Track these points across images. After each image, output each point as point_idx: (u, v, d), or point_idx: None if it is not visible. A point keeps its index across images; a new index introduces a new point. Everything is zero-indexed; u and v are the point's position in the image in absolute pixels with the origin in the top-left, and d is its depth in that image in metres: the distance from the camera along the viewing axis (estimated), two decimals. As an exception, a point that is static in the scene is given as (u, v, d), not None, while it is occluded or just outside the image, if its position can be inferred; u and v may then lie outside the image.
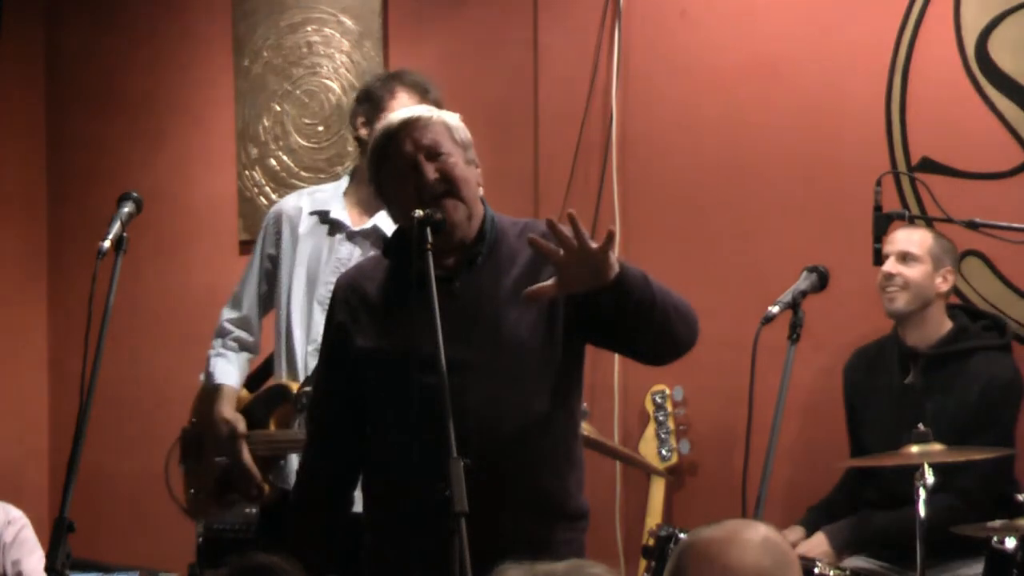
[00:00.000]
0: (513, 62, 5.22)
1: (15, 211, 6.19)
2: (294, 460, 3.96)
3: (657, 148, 4.99)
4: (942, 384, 4.22)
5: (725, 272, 4.82)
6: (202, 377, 4.22)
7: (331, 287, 3.29)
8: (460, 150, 3.07)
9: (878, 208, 3.93)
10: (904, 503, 3.99)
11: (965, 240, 4.40)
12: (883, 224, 3.93)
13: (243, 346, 4.20)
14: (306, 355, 4.01)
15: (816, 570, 3.59)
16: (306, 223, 4.12)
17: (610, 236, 2.83)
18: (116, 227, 3.44)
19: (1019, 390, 4.23)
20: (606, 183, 5.01)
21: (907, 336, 4.32)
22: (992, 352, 4.24)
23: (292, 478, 3.85)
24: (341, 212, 4.10)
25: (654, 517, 4.65)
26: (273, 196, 5.58)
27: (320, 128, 5.61)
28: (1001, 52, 4.51)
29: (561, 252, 2.85)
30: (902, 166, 4.61)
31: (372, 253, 3.80)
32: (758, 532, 2.21)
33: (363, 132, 4.05)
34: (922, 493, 3.49)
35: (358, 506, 3.24)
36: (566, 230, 2.85)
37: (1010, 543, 3.54)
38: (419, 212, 2.97)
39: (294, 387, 4.02)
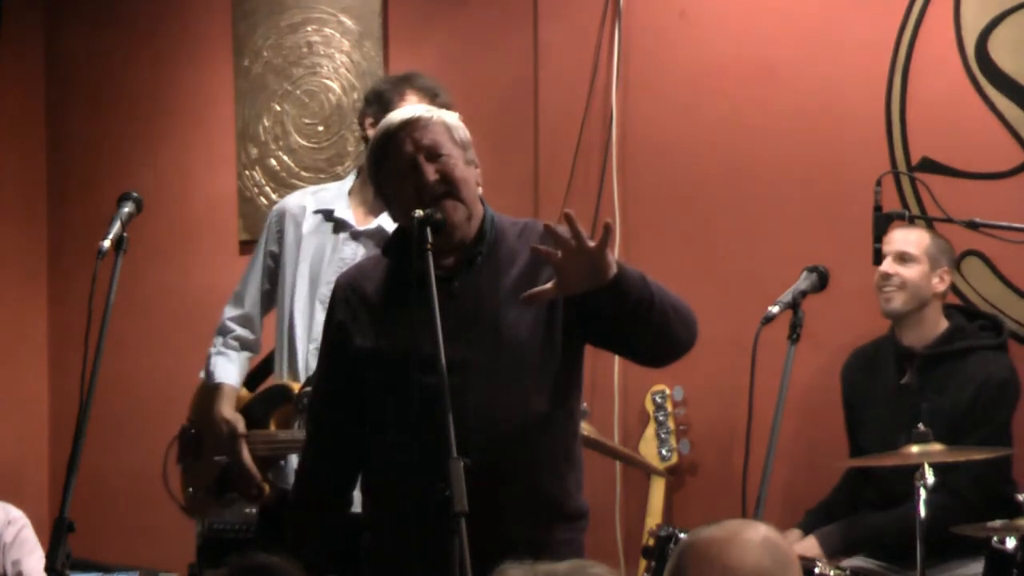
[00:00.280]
0: (513, 62, 5.22)
1: (15, 211, 6.19)
2: (294, 460, 3.96)
3: (657, 148, 4.99)
4: (938, 384, 4.22)
5: (725, 272, 4.82)
6: (202, 375, 4.22)
7: None
8: (460, 150, 3.07)
9: (878, 208, 3.93)
10: (901, 503, 4.00)
11: (965, 240, 4.40)
12: (883, 224, 3.93)
13: (244, 345, 4.20)
14: (308, 354, 4.00)
15: (816, 570, 3.59)
16: (310, 221, 4.12)
17: (607, 229, 2.83)
18: (116, 227, 3.44)
19: (1015, 389, 4.23)
20: (606, 183, 5.01)
21: (903, 336, 4.32)
22: (988, 352, 4.24)
23: (292, 478, 3.85)
24: (346, 211, 4.10)
25: (654, 517, 4.65)
26: (273, 196, 5.58)
27: (320, 128, 5.61)
28: (1001, 52, 4.51)
29: (559, 254, 2.85)
30: (902, 166, 4.61)
31: (376, 251, 3.80)
32: (758, 532, 2.21)
33: (371, 133, 4.04)
34: (922, 493, 3.49)
35: (357, 506, 3.24)
36: (564, 231, 2.85)
37: (1010, 543, 3.54)
38: (419, 212, 2.97)
39: (295, 387, 4.02)
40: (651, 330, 2.97)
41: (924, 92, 4.61)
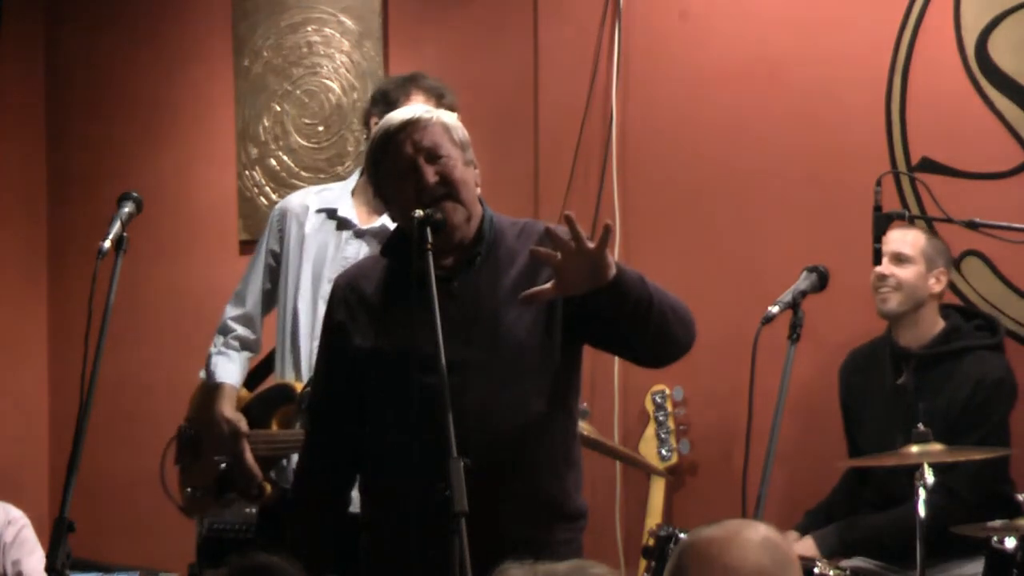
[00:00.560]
0: (513, 62, 5.22)
1: (15, 211, 6.19)
2: (296, 459, 3.95)
3: (657, 148, 4.99)
4: (934, 384, 4.22)
5: (725, 272, 4.82)
6: (202, 374, 4.22)
7: None
8: (459, 151, 3.07)
9: (878, 208, 3.93)
10: (900, 503, 4.00)
11: (965, 240, 4.40)
12: (883, 224, 3.92)
13: (244, 344, 4.20)
14: (311, 352, 3.99)
15: (816, 570, 3.59)
16: (313, 220, 4.12)
17: (607, 230, 2.83)
18: (116, 227, 3.44)
19: (1011, 389, 4.23)
20: (606, 183, 5.01)
21: (900, 336, 4.32)
22: (984, 351, 4.24)
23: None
24: (349, 210, 4.10)
25: (654, 517, 4.65)
26: (273, 196, 5.58)
27: (320, 128, 5.61)
28: (1001, 52, 4.51)
29: (558, 255, 2.85)
30: (902, 166, 4.61)
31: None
32: (758, 532, 2.21)
33: None
34: (922, 493, 3.49)
35: (355, 506, 3.24)
36: (563, 231, 2.85)
37: (1010, 543, 3.54)
38: (419, 212, 2.97)
39: (298, 387, 4.01)
40: (650, 331, 2.97)
41: (924, 92, 4.61)
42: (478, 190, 3.10)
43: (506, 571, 2.20)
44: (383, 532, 3.10)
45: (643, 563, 3.87)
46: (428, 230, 2.95)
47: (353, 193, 4.15)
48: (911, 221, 4.33)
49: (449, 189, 3.03)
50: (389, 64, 5.45)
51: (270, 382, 4.23)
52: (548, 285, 2.90)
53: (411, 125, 3.06)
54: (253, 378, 4.28)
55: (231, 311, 4.22)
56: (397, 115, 3.12)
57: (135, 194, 3.55)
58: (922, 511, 3.49)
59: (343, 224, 4.10)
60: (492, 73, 5.26)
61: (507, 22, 5.26)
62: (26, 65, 6.21)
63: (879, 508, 4.24)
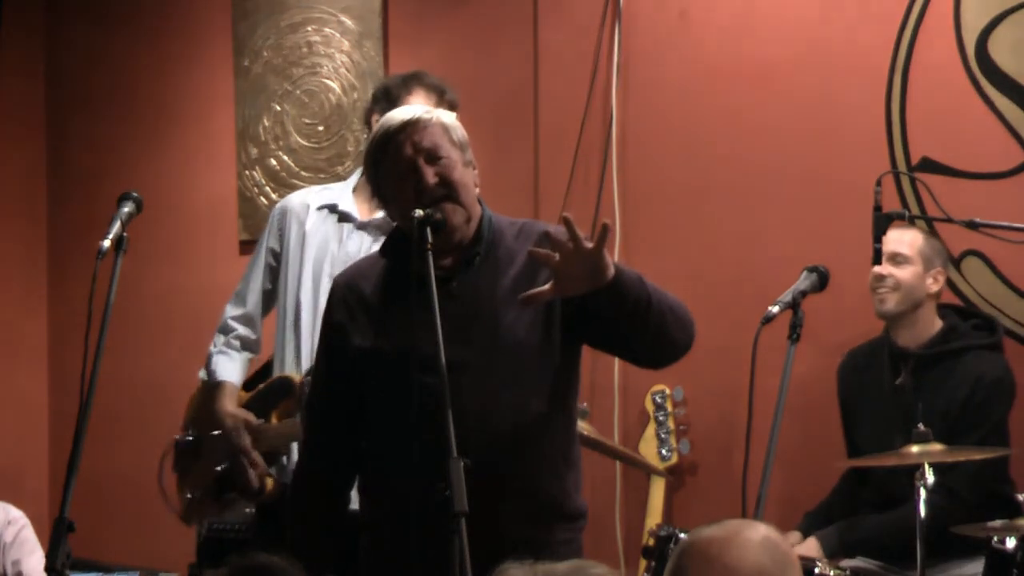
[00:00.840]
0: (513, 62, 5.21)
1: (15, 211, 6.19)
2: (295, 454, 3.95)
3: (657, 148, 4.99)
4: (933, 384, 4.22)
5: (725, 272, 4.82)
6: (202, 374, 4.21)
7: None
8: (458, 151, 3.07)
9: (878, 208, 3.93)
10: (900, 503, 4.00)
11: (965, 240, 4.40)
12: (883, 224, 3.92)
13: (245, 344, 4.20)
14: (312, 346, 3.98)
15: (816, 570, 3.59)
16: (314, 217, 4.13)
17: (604, 228, 2.83)
18: (116, 227, 3.44)
19: (1009, 388, 4.23)
20: (606, 183, 5.01)
21: (898, 337, 4.32)
22: (982, 351, 4.24)
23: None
24: (350, 205, 4.11)
25: (654, 517, 4.64)
26: (273, 196, 5.58)
27: (320, 128, 5.61)
28: (1001, 52, 4.51)
29: (557, 257, 2.85)
30: (902, 166, 4.61)
31: (383, 239, 3.80)
32: (758, 532, 2.21)
33: None
34: (922, 493, 3.49)
35: (354, 503, 3.24)
36: (561, 232, 2.85)
37: (1010, 543, 3.54)
38: (419, 212, 2.97)
39: (297, 379, 4.00)
40: (649, 331, 2.97)
41: (924, 92, 4.61)
42: (477, 190, 3.10)
43: (506, 571, 2.20)
44: (383, 532, 3.09)
45: (643, 563, 3.87)
46: (428, 230, 2.95)
47: (354, 190, 4.15)
48: (911, 221, 4.33)
49: (449, 190, 3.03)
50: (389, 64, 5.45)
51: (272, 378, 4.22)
52: (547, 287, 2.90)
53: (411, 126, 3.06)
54: (250, 385, 4.26)
55: (232, 311, 4.21)
56: (397, 115, 3.11)
57: (135, 194, 3.55)
58: (922, 511, 3.49)
59: (344, 218, 4.10)
60: (492, 73, 5.26)
61: (507, 22, 5.26)
62: (26, 65, 6.21)
63: (879, 508, 4.23)
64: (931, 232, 4.44)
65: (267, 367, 4.23)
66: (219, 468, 4.08)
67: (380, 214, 4.01)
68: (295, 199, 4.24)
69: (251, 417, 4.04)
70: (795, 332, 3.63)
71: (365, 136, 4.26)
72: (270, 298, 4.20)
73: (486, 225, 3.09)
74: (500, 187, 4.69)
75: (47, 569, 3.09)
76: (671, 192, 4.96)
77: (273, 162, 5.69)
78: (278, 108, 5.68)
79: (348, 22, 5.55)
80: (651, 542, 3.81)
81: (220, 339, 4.20)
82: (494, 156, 4.78)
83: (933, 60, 4.59)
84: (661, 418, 4.80)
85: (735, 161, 4.85)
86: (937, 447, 3.58)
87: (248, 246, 5.47)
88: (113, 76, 6.08)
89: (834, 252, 4.33)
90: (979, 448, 3.95)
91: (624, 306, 2.92)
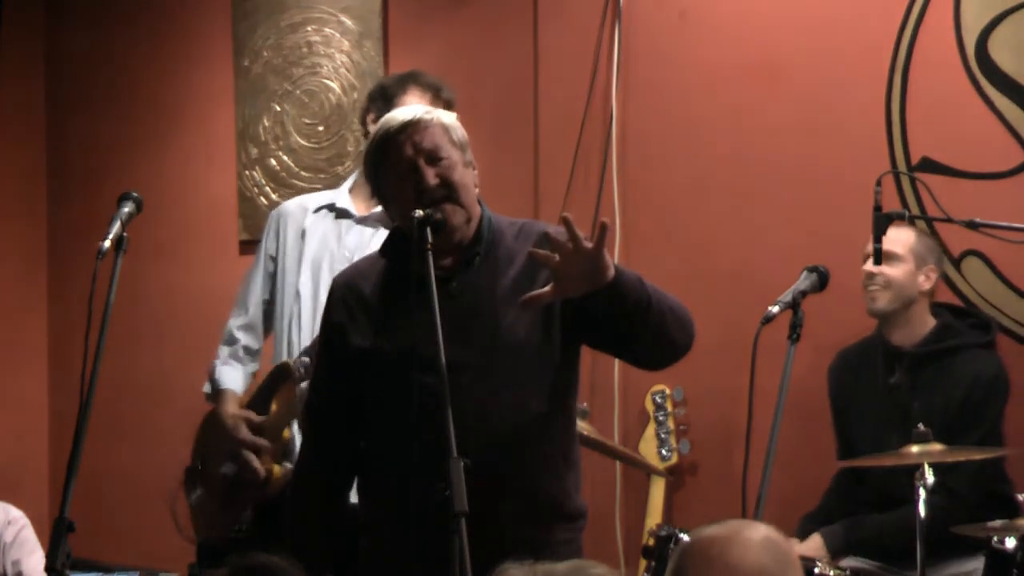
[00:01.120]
0: (513, 62, 5.21)
1: (15, 211, 6.19)
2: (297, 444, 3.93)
3: (657, 148, 4.99)
4: (928, 383, 4.21)
5: (725, 272, 4.82)
6: (206, 388, 4.21)
7: None
8: (458, 152, 3.07)
9: (878, 208, 3.93)
10: (898, 504, 4.00)
11: (965, 240, 4.40)
12: (883, 224, 3.92)
13: (249, 354, 4.21)
14: (312, 335, 3.98)
15: (816, 570, 3.59)
16: (312, 217, 4.14)
17: (603, 227, 2.83)
18: (116, 227, 3.44)
19: (1004, 386, 4.22)
20: (606, 183, 5.01)
21: (891, 335, 4.31)
22: (977, 349, 4.23)
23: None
24: (347, 203, 4.13)
25: (654, 517, 4.64)
26: (273, 196, 5.58)
27: (320, 128, 5.61)
28: (1001, 52, 4.51)
29: (557, 257, 2.85)
30: (902, 166, 4.61)
31: (381, 230, 3.80)
32: (759, 531, 2.21)
33: (373, 129, 4.05)
34: (922, 493, 3.49)
35: (354, 498, 3.24)
36: (560, 232, 2.85)
37: (1010, 543, 3.54)
38: (419, 212, 2.97)
39: (291, 362, 4.00)
40: (648, 332, 2.98)
41: (924, 92, 4.61)
42: (477, 191, 3.10)
43: (506, 571, 2.20)
44: (383, 532, 3.10)
45: (643, 563, 3.87)
46: (428, 230, 2.95)
47: (351, 191, 4.17)
48: (911, 221, 4.33)
49: (449, 191, 3.03)
50: (389, 64, 5.45)
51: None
52: (547, 288, 2.90)
53: (411, 126, 3.06)
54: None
55: (235, 321, 4.22)
56: (397, 115, 3.11)
57: (135, 194, 3.55)
58: (922, 511, 3.49)
59: (342, 215, 4.12)
60: (492, 73, 5.26)
61: (507, 22, 5.26)
62: (26, 65, 6.21)
63: (877, 508, 4.23)
64: (931, 232, 4.43)
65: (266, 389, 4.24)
66: (225, 471, 4.07)
67: (378, 209, 4.02)
68: (292, 203, 4.28)
69: (251, 415, 4.04)
70: (795, 332, 3.63)
71: (362, 135, 4.26)
72: (270, 308, 4.21)
73: (486, 225, 3.09)
74: (500, 187, 4.69)
75: (47, 569, 3.09)
76: (671, 192, 4.96)
77: (273, 162, 5.69)
78: (278, 108, 5.68)
79: (348, 22, 5.55)
80: (651, 542, 3.81)
81: (225, 351, 4.20)
82: (494, 156, 4.78)
83: (933, 60, 4.59)
84: (661, 418, 4.80)
85: (735, 161, 4.85)
86: (937, 447, 3.58)
87: (248, 246, 5.47)
88: (113, 76, 6.08)
89: (834, 252, 4.33)
90: (979, 448, 3.95)
91: (624, 307, 2.92)
